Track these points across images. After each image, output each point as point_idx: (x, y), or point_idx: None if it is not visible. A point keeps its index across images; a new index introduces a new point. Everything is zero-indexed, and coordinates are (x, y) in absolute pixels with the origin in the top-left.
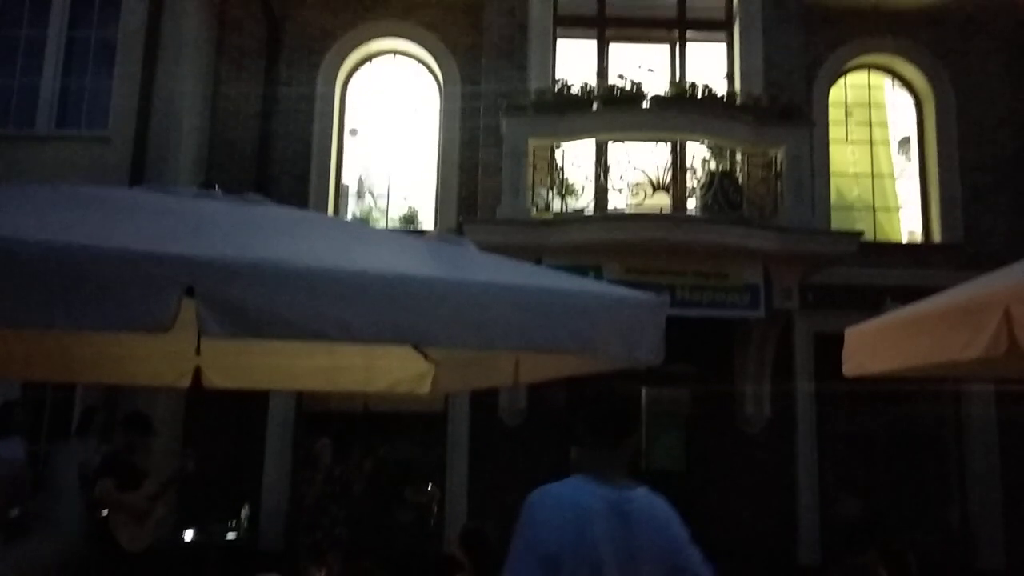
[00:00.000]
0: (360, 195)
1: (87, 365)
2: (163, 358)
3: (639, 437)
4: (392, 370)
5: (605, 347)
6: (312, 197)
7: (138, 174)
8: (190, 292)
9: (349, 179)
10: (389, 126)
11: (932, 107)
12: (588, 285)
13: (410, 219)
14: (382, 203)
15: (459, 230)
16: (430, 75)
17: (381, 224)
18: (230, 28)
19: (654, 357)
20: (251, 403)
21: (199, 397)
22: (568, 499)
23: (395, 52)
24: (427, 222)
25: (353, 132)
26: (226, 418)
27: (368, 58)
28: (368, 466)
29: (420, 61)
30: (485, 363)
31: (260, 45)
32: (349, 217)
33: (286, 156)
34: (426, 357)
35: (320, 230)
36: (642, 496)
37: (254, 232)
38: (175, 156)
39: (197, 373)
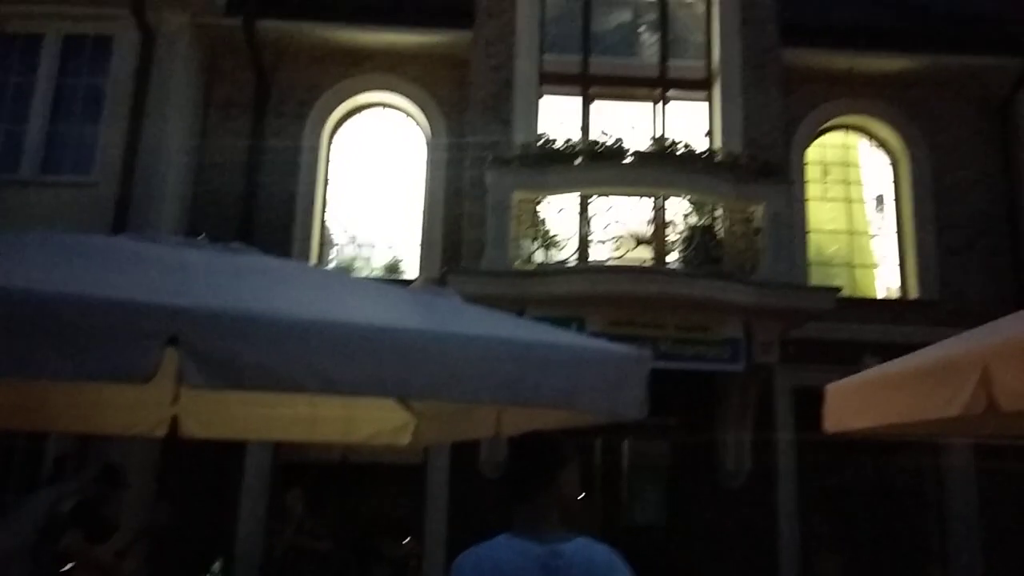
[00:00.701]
0: (344, 243)
1: (61, 413)
2: (140, 407)
3: (568, 482)
4: (372, 421)
5: (589, 401)
6: (296, 246)
7: (122, 220)
8: (173, 341)
9: (333, 228)
10: (375, 176)
11: (907, 167)
12: (572, 339)
13: (393, 268)
14: (366, 252)
15: (443, 280)
16: (416, 127)
17: (364, 273)
18: (219, 79)
19: (637, 411)
20: (227, 452)
21: (175, 446)
22: (488, 560)
23: (382, 105)
24: (411, 271)
25: (334, 182)
26: (201, 468)
27: (356, 110)
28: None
29: (407, 114)
30: (467, 415)
31: (248, 96)
32: (333, 265)
33: (271, 205)
34: (407, 408)
35: (304, 280)
36: (577, 548)
37: (239, 282)
38: (159, 203)
39: (174, 422)
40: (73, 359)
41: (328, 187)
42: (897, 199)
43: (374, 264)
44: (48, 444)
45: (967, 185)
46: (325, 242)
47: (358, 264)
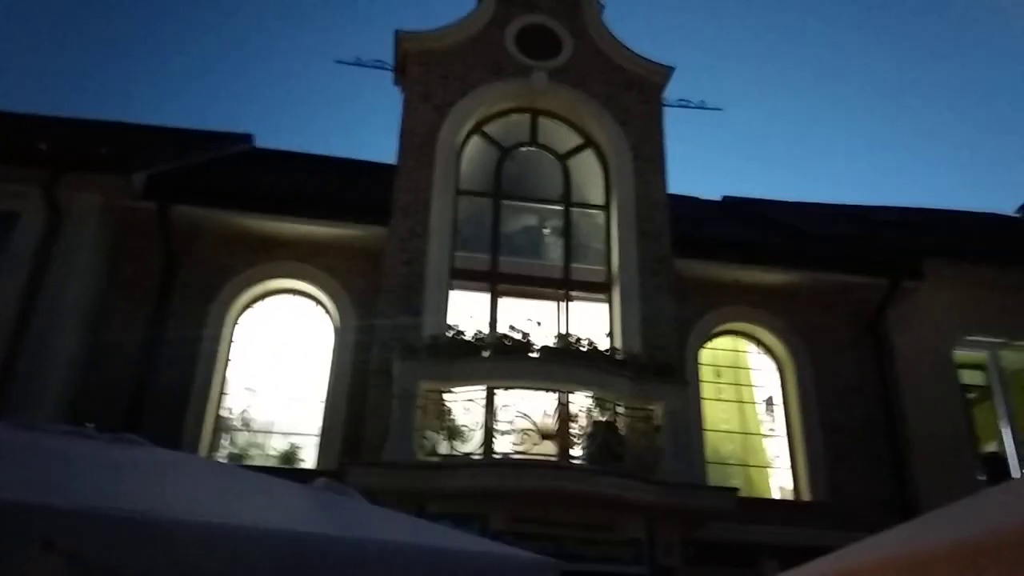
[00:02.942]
0: (240, 430)
1: None
2: None
3: None
4: None
5: None
6: (187, 432)
7: (2, 402)
8: (48, 547)
9: (231, 413)
10: (278, 361)
11: (792, 372)
12: (477, 545)
13: (290, 457)
14: (262, 439)
15: (341, 470)
16: (325, 314)
17: (259, 461)
18: (125, 259)
19: None
20: None
21: None
22: None
23: (292, 291)
24: (308, 460)
25: (235, 366)
26: None
27: (264, 295)
28: None
29: (316, 301)
30: None
31: (154, 278)
32: (225, 453)
33: (166, 389)
34: None
35: (198, 477)
36: None
37: (125, 479)
38: (43, 383)
39: None
40: None
41: (228, 371)
42: (785, 402)
43: (270, 452)
44: None
45: (847, 392)
46: (220, 428)
47: (253, 452)
